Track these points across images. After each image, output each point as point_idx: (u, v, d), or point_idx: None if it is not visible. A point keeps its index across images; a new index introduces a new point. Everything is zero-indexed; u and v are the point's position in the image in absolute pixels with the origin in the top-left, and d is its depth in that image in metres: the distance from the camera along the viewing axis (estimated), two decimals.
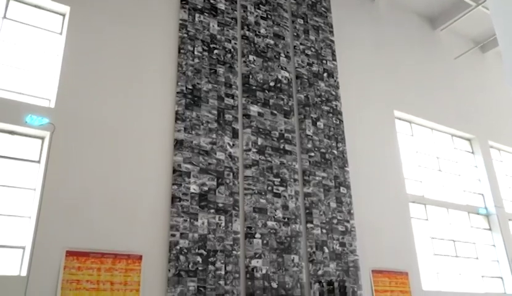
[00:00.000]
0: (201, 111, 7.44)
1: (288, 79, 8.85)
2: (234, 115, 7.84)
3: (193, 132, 7.23)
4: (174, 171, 6.84)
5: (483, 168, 11.79)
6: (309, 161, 8.41)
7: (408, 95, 11.06)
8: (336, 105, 9.32)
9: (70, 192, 5.95)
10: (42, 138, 6.25)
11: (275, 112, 8.36)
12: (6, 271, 5.44)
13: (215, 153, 7.33)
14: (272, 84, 8.56)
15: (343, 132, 9.16)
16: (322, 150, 8.68)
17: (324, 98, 9.19)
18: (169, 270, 6.25)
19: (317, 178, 8.36)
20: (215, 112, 7.60)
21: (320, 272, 7.61)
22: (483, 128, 12.39)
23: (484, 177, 11.71)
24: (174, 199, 6.66)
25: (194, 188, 6.89)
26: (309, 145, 8.54)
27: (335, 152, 8.86)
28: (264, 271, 7.06)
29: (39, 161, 6.14)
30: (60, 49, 6.77)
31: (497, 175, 11.96)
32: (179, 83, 7.42)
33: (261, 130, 8.05)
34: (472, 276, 10.35)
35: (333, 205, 8.34)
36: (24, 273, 5.39)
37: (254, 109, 8.11)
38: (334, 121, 9.15)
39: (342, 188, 8.60)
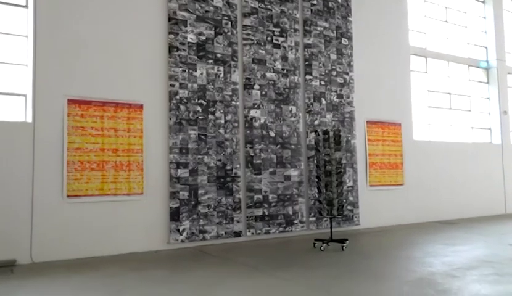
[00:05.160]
0: None
1: None
2: None
3: None
4: (169, 19, 6.54)
5: (492, 19, 11.32)
6: (311, 10, 8.00)
7: None
8: None
9: (64, 39, 5.78)
10: None
11: None
12: (12, 118, 5.59)
13: (212, 0, 6.92)
14: None
15: None
16: None
17: None
18: (170, 118, 6.44)
19: (318, 28, 8.06)
20: None
21: (316, 122, 7.88)
22: None
23: (491, 28, 11.32)
24: (171, 49, 6.51)
25: (191, 37, 6.69)
26: None
27: (339, 0, 8.39)
28: (262, 121, 7.28)
29: (26, 6, 5.82)
30: None
31: (505, 27, 11.55)
32: None
33: None
34: (462, 127, 10.76)
35: (333, 56, 8.21)
36: (29, 120, 5.56)
37: None
38: None
39: (343, 39, 8.36)
